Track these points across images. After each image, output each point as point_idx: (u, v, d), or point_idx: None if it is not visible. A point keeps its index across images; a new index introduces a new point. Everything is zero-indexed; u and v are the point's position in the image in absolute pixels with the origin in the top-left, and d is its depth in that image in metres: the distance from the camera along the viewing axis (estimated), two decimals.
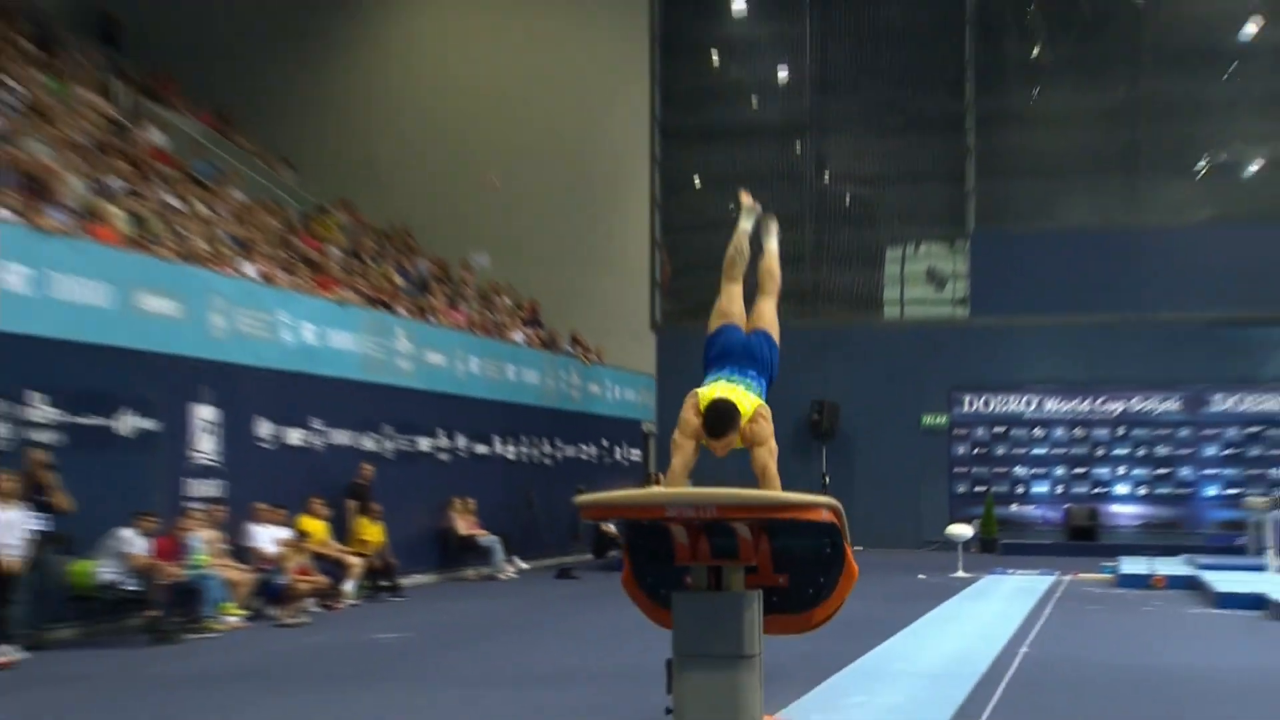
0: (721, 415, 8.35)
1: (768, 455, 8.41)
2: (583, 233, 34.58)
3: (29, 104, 23.32)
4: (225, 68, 34.28)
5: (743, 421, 8.39)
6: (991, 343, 34.21)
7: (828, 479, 32.56)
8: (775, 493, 8.32)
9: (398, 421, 24.91)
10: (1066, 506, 34.04)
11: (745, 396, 8.50)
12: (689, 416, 8.42)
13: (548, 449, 30.64)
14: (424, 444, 25.90)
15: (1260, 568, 24.49)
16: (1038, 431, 34.36)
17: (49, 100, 24.28)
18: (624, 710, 10.86)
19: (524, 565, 27.40)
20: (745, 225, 9.47)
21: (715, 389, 8.50)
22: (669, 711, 8.05)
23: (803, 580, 8.24)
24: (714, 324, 9.04)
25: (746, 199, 9.54)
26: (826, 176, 35.61)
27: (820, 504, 8.18)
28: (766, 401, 8.70)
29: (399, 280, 29.04)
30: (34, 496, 16.36)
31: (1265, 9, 34.02)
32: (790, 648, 11.59)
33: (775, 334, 9.04)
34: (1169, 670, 14.62)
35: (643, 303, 35.17)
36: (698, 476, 8.57)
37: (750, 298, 9.23)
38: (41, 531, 16.32)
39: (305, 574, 20.00)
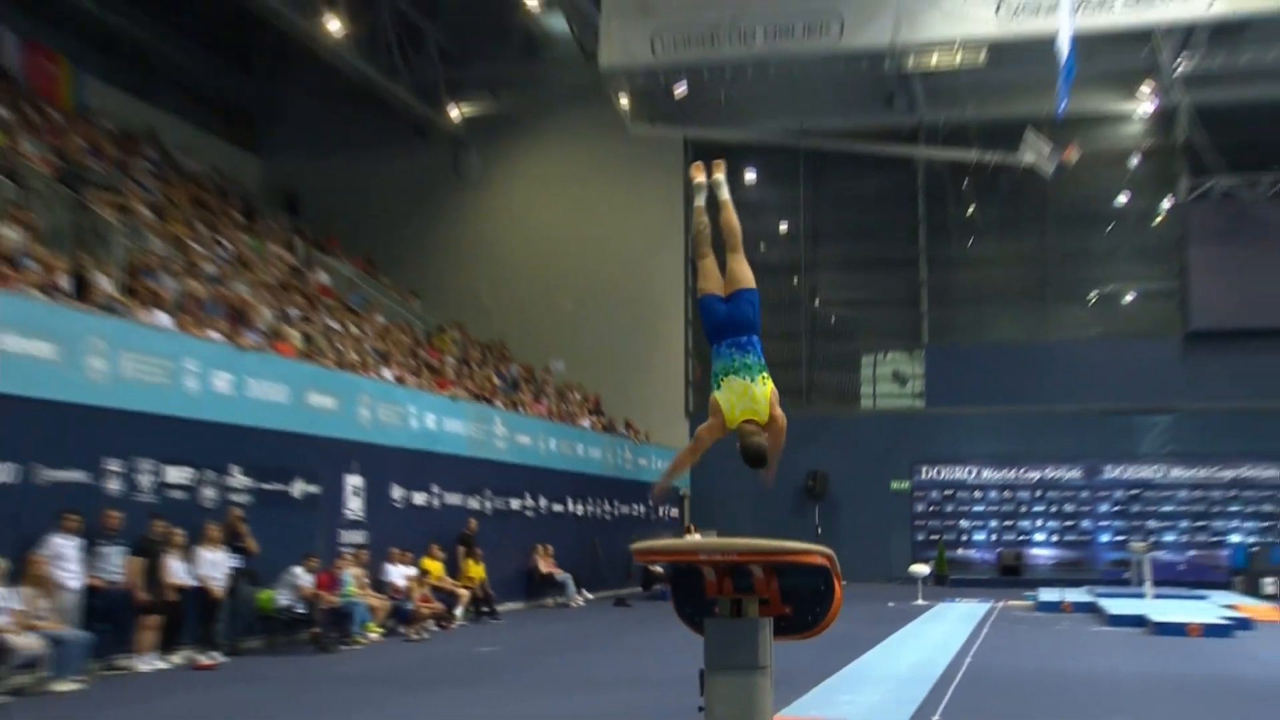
0: (755, 456, 7.79)
1: (780, 432, 7.85)
2: (633, 345, 34.67)
3: (235, 256, 23.66)
4: (372, 227, 34.58)
5: (763, 421, 7.79)
6: (942, 427, 34.15)
7: (820, 530, 32.35)
8: (781, 543, 8.24)
9: (495, 487, 24.90)
10: (998, 550, 33.79)
11: (757, 391, 7.83)
12: (715, 421, 7.82)
13: (607, 508, 30.56)
14: (514, 504, 25.87)
15: (1140, 595, 24.41)
16: (976, 494, 34.18)
17: (249, 253, 24.64)
18: (667, 707, 10.80)
19: (590, 596, 27.26)
20: (699, 201, 8.48)
21: (732, 395, 7.86)
22: (701, 709, 7.98)
23: (803, 609, 8.15)
24: (700, 290, 8.34)
25: (697, 175, 8.53)
26: (817, 302, 35.68)
27: (815, 551, 8.10)
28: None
29: (497, 381, 29.12)
30: (232, 543, 16.64)
31: (1131, 186, 34.36)
32: (794, 658, 11.51)
33: (750, 283, 8.22)
34: (1075, 672, 14.57)
35: (679, 397, 35.16)
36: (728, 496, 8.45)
37: (722, 263, 8.45)
38: (237, 568, 16.61)
39: (426, 602, 20.05)
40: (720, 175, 8.38)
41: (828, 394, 35.49)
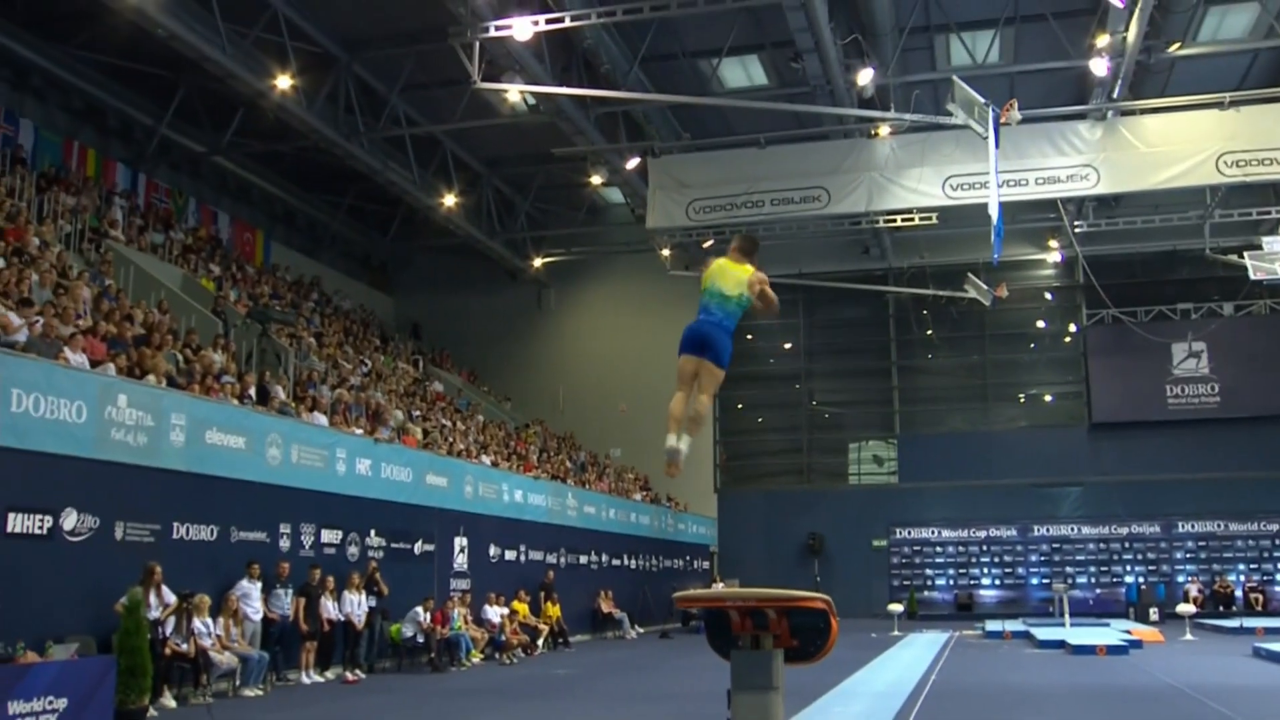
0: (749, 245, 7.45)
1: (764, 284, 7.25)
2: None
3: (373, 371, 24.02)
4: (475, 348, 34.92)
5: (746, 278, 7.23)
6: (911, 497, 33.92)
7: (819, 578, 32.09)
8: (790, 591, 8.32)
9: (567, 546, 24.91)
10: (955, 592, 33.37)
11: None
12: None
13: (654, 562, 30.42)
14: (583, 559, 25.84)
15: (1061, 624, 24.18)
16: (938, 548, 33.76)
17: (383, 368, 25.00)
18: (703, 716, 10.80)
19: (641, 630, 27.10)
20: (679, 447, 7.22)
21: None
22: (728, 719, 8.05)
23: (807, 642, 8.18)
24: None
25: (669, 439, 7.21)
26: (813, 402, 35.68)
27: (816, 598, 8.18)
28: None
29: (569, 465, 29.24)
30: (370, 587, 16.69)
31: (1046, 314, 34.70)
32: (800, 678, 11.51)
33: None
34: (1014, 685, 14.46)
35: (709, 475, 35.04)
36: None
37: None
38: (373, 607, 16.64)
39: (516, 634, 19.98)
40: (683, 442, 7.26)
41: (823, 473, 35.38)
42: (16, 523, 11.05)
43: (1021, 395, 34.84)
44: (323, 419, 17.48)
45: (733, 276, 7.23)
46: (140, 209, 22.85)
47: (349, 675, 15.65)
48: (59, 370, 11.90)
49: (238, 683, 13.33)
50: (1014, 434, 33.94)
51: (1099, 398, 32.99)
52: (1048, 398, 34.87)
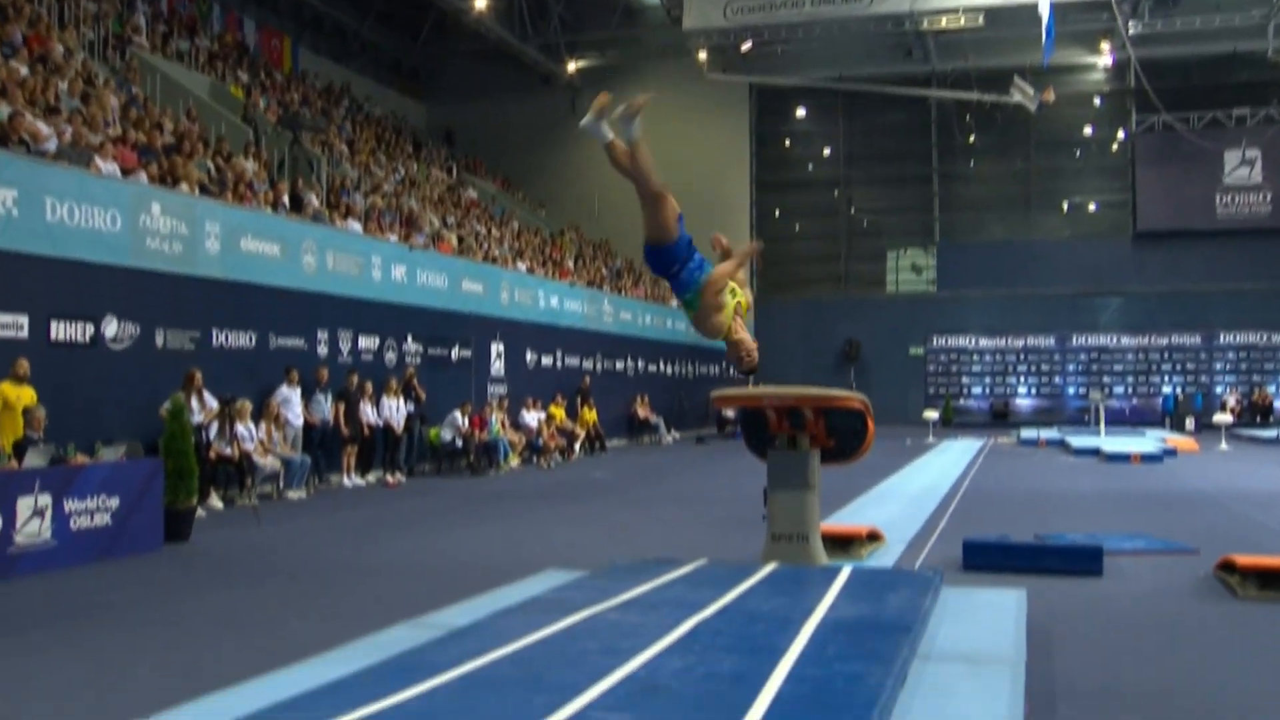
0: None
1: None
2: (707, 244, 34.53)
3: (407, 178, 23.79)
4: (509, 154, 34.49)
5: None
6: (949, 306, 33.92)
7: (854, 385, 32.30)
8: (828, 390, 8.34)
9: (604, 352, 25.11)
10: (991, 400, 33.73)
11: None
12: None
13: (689, 368, 30.71)
14: (619, 365, 26.09)
15: (1096, 433, 24.37)
16: (975, 357, 34.01)
17: (416, 175, 24.74)
18: (738, 516, 10.97)
19: (677, 435, 27.56)
20: (606, 136, 5.44)
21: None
22: (764, 517, 8.16)
23: (843, 442, 8.24)
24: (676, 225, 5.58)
25: (597, 102, 5.37)
26: (852, 210, 35.36)
27: (853, 398, 8.20)
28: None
29: (604, 271, 29.18)
30: (408, 393, 16.91)
31: (1093, 120, 33.80)
32: (836, 481, 11.62)
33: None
34: (1047, 490, 14.59)
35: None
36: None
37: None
38: (411, 412, 16.87)
39: (553, 439, 20.30)
40: (623, 110, 5.31)
41: (860, 281, 35.37)
42: (60, 330, 11.19)
43: (1065, 203, 34.25)
44: (357, 226, 17.38)
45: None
46: (164, 15, 22.29)
47: (389, 478, 16.00)
48: (91, 179, 11.80)
49: (281, 485, 13.66)
50: (1056, 243, 33.57)
51: (1145, 206, 32.41)
52: (1092, 206, 34.26)
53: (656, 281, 32.10)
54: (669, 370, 29.17)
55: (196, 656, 5.86)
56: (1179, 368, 32.60)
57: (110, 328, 11.74)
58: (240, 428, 12.85)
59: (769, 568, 7.09)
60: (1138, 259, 32.68)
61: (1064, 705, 4.90)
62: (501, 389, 20.11)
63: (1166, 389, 32.19)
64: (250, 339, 13.93)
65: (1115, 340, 33.03)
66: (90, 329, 11.52)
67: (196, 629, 6.57)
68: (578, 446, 21.41)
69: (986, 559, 8.29)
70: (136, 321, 12.08)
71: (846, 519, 10.95)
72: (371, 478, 15.93)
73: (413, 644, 5.22)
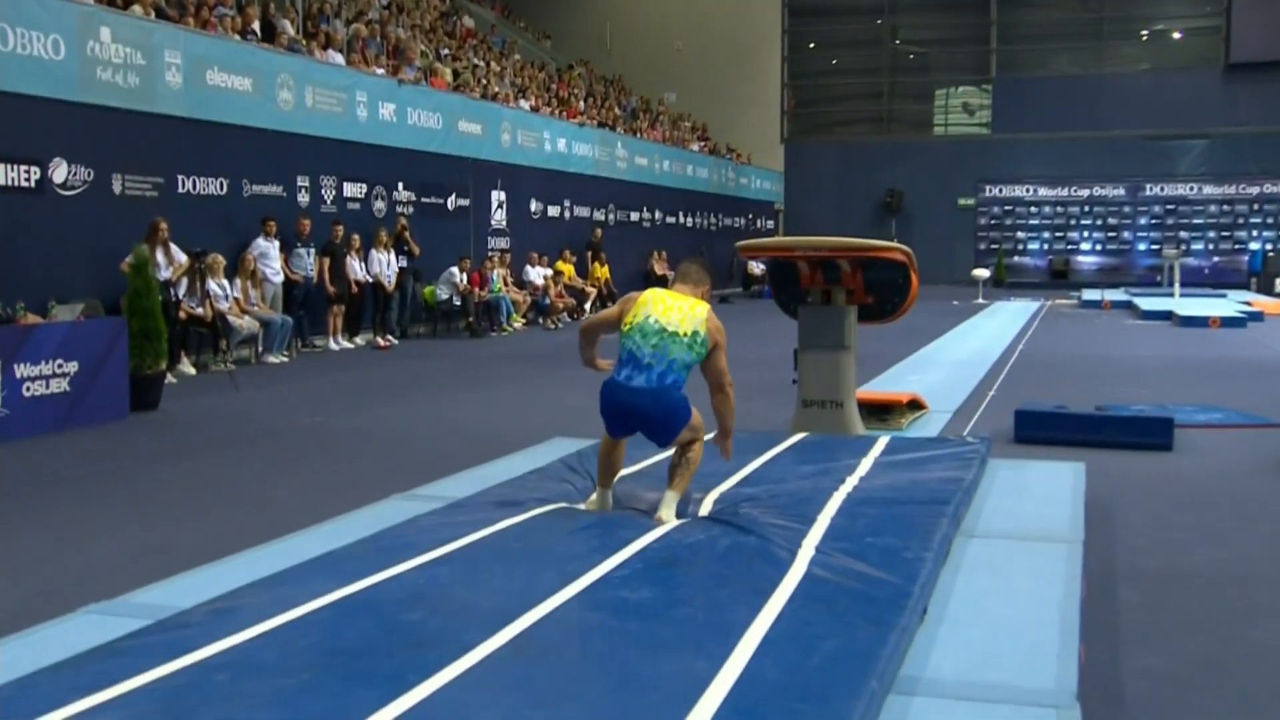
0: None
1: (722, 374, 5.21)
2: (737, 78, 34.12)
3: (394, 2, 23.29)
4: None
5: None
6: (1004, 151, 33.54)
7: (895, 239, 32.20)
8: (867, 240, 8.27)
9: (617, 201, 24.96)
10: (1049, 258, 33.56)
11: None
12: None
13: (712, 220, 30.54)
14: (634, 216, 25.96)
15: (1169, 295, 24.26)
16: (1033, 209, 33.73)
17: (404, 0, 24.22)
18: (765, 381, 10.98)
19: None
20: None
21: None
22: (795, 381, 8.17)
23: (883, 299, 8.20)
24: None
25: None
26: (898, 41, 34.76)
27: (895, 248, 8.13)
28: None
29: (618, 111, 28.81)
30: (400, 246, 16.91)
31: None
32: (873, 344, 11.61)
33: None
34: (1109, 356, 14.62)
35: (774, 125, 34.72)
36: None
37: None
38: (404, 268, 16.91)
39: (560, 297, 20.40)
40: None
41: (904, 122, 34.98)
42: (0, 174, 11.09)
43: (1144, 31, 33.52)
44: (339, 57, 17.10)
45: (680, 309, 5.06)
46: None
47: (380, 341, 16.09)
48: None
49: (260, 348, 13.74)
50: (1131, 77, 32.88)
51: (1241, 32, 31.37)
52: (1176, 34, 33.50)
53: (675, 124, 31.74)
54: (689, 222, 29.03)
55: (168, 532, 5.95)
56: (1270, 221, 32.11)
57: (59, 172, 11.65)
58: (213, 284, 12.86)
59: (797, 436, 7.13)
60: (1228, 94, 31.87)
61: (1125, 588, 4.95)
62: (503, 243, 20.03)
63: (1254, 245, 31.77)
64: (221, 186, 13.84)
65: (1196, 190, 32.57)
66: (36, 173, 11.42)
67: (167, 502, 6.66)
68: (588, 306, 21.37)
69: (1041, 430, 8.29)
70: (89, 165, 11.97)
71: (886, 386, 10.96)
72: (360, 340, 16.01)
73: (409, 516, 5.29)
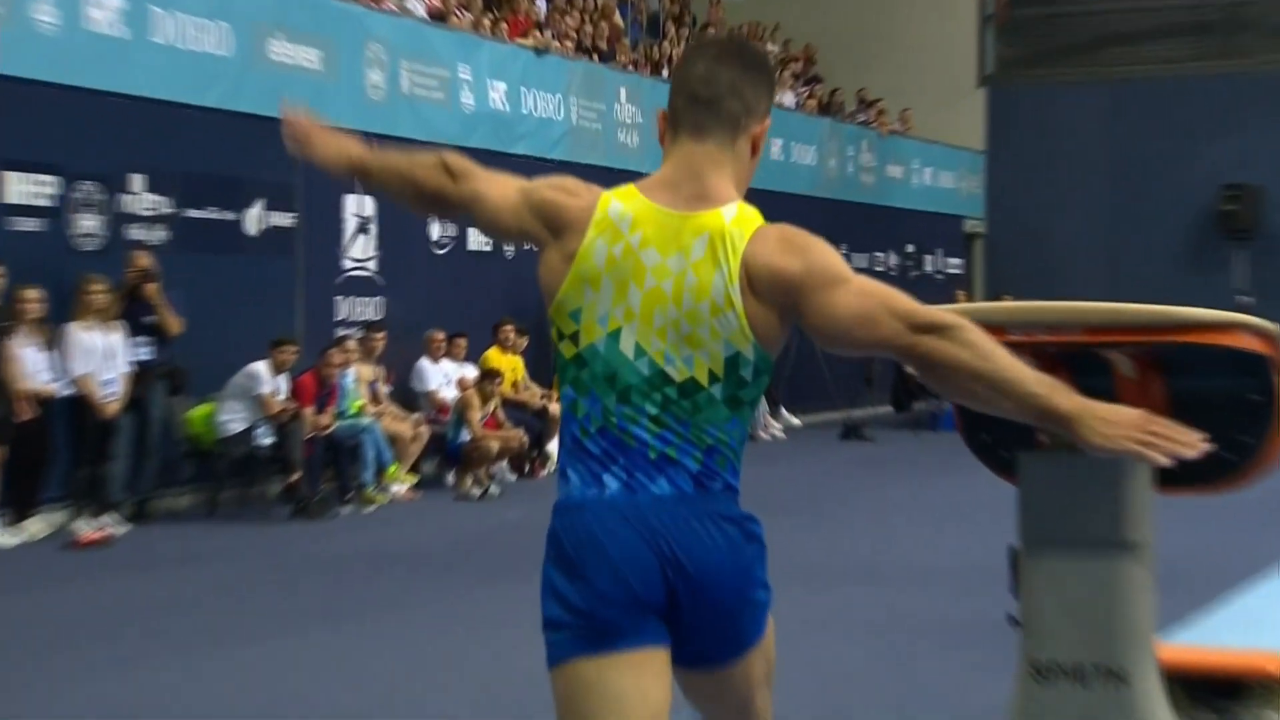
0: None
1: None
2: None
3: None
4: None
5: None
6: None
7: (1245, 291, 32.07)
8: (1173, 310, 7.95)
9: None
10: None
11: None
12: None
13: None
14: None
15: None
16: None
17: None
18: (953, 612, 10.72)
19: (795, 422, 27.50)
20: None
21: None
22: (1013, 620, 7.88)
23: (1214, 437, 7.84)
24: None
25: None
26: None
27: (1240, 324, 7.80)
28: None
29: (619, 22, 28.85)
30: (137, 318, 16.83)
31: None
32: (1186, 538, 11.27)
33: None
34: None
35: (968, 46, 35.07)
36: None
37: None
38: (144, 363, 16.73)
39: (494, 427, 20.27)
40: None
41: (1264, 34, 35.37)
42: None
43: None
44: None
45: (678, 285, 4.76)
46: None
47: (85, 529, 15.89)
48: None
49: None
50: None
51: None
52: None
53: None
54: None
55: None
56: None
57: None
58: None
59: None
60: None
61: None
62: (370, 307, 20.39)
63: None
64: None
65: None
66: None
67: None
68: (554, 446, 21.12)
69: None
70: None
71: (1225, 635, 10.84)
72: (38, 525, 15.91)
73: None
